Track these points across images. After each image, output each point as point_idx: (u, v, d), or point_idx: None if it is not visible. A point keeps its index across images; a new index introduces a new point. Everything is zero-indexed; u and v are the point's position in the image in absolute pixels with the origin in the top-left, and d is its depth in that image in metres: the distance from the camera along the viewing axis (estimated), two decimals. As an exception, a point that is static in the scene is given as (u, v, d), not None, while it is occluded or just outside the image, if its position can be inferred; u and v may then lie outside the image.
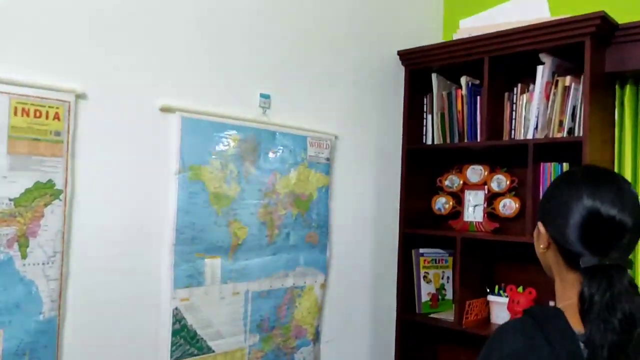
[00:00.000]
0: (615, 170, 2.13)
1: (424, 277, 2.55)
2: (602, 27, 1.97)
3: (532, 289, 2.19)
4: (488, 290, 2.41)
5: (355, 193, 2.35)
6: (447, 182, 2.58)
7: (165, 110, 1.71)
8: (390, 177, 2.51)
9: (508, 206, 2.37)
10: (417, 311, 2.51)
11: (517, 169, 2.38)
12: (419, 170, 2.58)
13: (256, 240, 1.94)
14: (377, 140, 2.45)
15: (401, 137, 2.54)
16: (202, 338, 1.81)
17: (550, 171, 2.12)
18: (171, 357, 1.73)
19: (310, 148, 2.11)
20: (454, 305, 2.59)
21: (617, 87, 2.18)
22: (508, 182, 2.39)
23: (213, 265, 1.82)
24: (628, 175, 2.11)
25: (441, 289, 2.58)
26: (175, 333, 1.73)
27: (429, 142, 2.55)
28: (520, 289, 2.25)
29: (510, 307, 2.21)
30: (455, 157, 2.59)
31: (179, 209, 1.73)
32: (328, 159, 2.18)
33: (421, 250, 2.55)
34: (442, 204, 2.59)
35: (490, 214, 2.44)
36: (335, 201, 2.23)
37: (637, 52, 2.01)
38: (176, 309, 1.74)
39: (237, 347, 1.91)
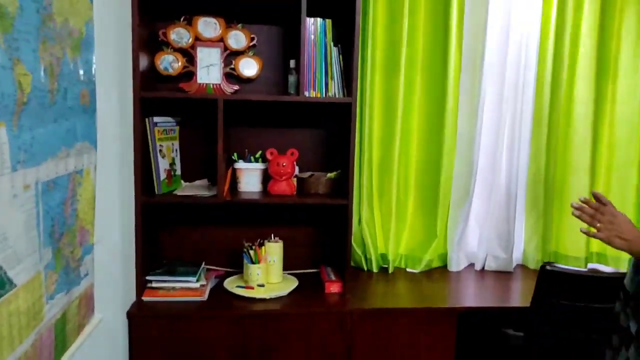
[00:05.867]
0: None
1: (160, 151, 2.14)
2: None
3: (294, 150, 2.21)
4: (234, 157, 2.27)
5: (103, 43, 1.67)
6: (173, 36, 2.17)
7: None
8: (112, 23, 1.88)
9: (250, 66, 2.23)
10: (156, 192, 2.12)
11: (256, 26, 2.26)
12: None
13: (40, 97, 1.17)
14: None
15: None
16: (1, 267, 1.01)
17: (316, 28, 2.11)
18: (-30, 312, 0.91)
19: (74, -43, 1.35)
20: (182, 181, 2.33)
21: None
22: (247, 40, 2.23)
23: (0, 138, 1.01)
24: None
25: (173, 164, 2.24)
26: (-30, 268, 0.91)
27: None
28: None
29: (274, 171, 2.17)
30: (179, 4, 2.18)
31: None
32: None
33: (155, 119, 2.11)
34: (169, 62, 2.18)
35: (229, 75, 2.24)
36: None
37: None
38: (-33, 222, 0.90)
39: (35, 273, 1.17)
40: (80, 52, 1.39)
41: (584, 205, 1.31)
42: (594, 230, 1.30)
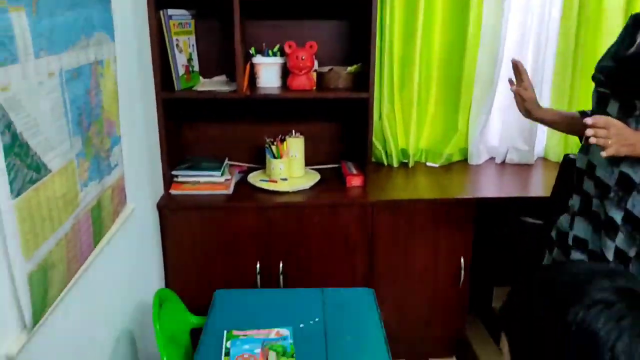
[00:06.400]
0: None
1: (176, 45, 2.11)
2: None
3: (313, 43, 2.14)
4: (252, 52, 2.23)
5: None
6: None
7: None
8: None
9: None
10: (175, 88, 2.11)
11: None
12: None
13: (55, -20, 1.14)
14: None
15: None
16: (35, 153, 1.05)
17: None
18: (12, 191, 0.96)
19: None
20: (200, 77, 2.32)
21: None
22: None
23: (21, 23, 1.00)
24: None
25: (190, 59, 2.21)
26: (7, 150, 0.94)
27: None
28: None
29: (293, 64, 2.13)
30: None
31: None
32: None
33: (170, 12, 2.05)
34: (181, -49, 2.08)
35: (244, -38, 2.14)
36: None
37: None
38: (0, 107, 0.92)
39: (68, 160, 1.21)
40: None
41: (595, 127, 1.27)
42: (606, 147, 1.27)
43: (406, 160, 2.54)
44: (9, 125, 0.95)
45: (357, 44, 2.33)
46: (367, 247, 2.15)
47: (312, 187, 2.21)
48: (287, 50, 2.15)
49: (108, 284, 1.54)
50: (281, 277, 2.12)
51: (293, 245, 2.12)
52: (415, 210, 2.14)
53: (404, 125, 2.49)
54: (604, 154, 1.25)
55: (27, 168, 1.02)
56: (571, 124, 1.63)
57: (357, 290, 1.88)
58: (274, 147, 2.23)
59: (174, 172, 2.17)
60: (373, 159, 2.50)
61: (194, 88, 2.17)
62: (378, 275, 2.19)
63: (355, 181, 2.25)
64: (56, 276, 1.15)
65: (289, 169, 2.25)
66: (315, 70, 2.24)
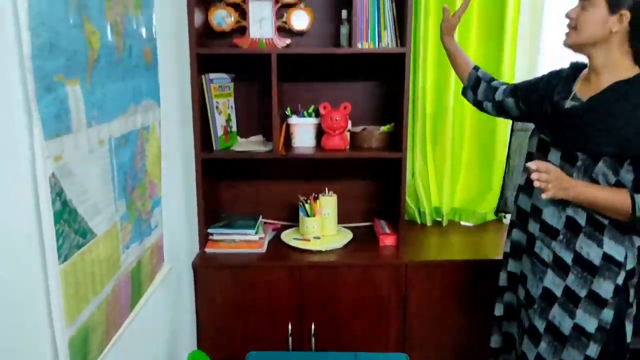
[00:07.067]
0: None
1: (216, 107, 2.18)
2: None
3: (347, 104, 2.19)
4: (287, 113, 2.29)
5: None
6: (226, -9, 2.16)
7: None
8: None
9: (302, 18, 2.21)
10: (214, 148, 2.17)
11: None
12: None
13: (108, 54, 1.21)
14: None
15: None
16: (82, 218, 1.08)
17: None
18: (59, 257, 0.99)
19: None
20: (238, 137, 2.38)
21: None
22: (299, -9, 2.20)
23: (76, 95, 1.05)
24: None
25: (229, 120, 2.28)
26: (57, 217, 0.98)
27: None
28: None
29: (328, 125, 2.17)
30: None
31: (29, -14, 0.88)
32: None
33: (211, 76, 2.14)
34: (222, 17, 2.18)
35: (281, 28, 2.23)
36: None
37: None
38: (53, 176, 0.96)
39: (113, 224, 1.24)
40: (141, 9, 1.42)
41: (539, 172, 1.39)
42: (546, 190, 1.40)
43: (440, 219, 2.52)
44: (60, 193, 0.99)
45: (390, 103, 2.37)
46: (400, 309, 2.11)
47: (345, 246, 2.20)
48: (321, 111, 2.20)
49: (142, 346, 1.54)
50: (313, 339, 2.09)
51: (325, 306, 2.09)
52: (450, 272, 2.10)
53: (437, 183, 2.49)
54: (544, 195, 1.38)
55: (75, 233, 1.05)
56: (462, 68, 1.88)
57: (391, 357, 1.83)
58: (307, 206, 2.24)
59: (209, 230, 2.20)
60: (406, 217, 2.48)
61: (231, 148, 2.22)
62: (412, 339, 2.13)
63: (388, 240, 2.24)
64: (95, 339, 1.16)
65: (322, 227, 2.26)
66: (349, 130, 2.28)
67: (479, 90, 1.84)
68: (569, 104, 1.49)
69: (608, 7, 1.37)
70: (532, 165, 1.38)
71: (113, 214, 1.24)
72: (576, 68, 1.55)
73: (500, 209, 2.39)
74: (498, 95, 1.78)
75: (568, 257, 1.48)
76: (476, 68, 1.86)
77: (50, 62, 0.95)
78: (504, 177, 2.35)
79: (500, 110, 1.80)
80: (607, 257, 1.43)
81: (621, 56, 1.40)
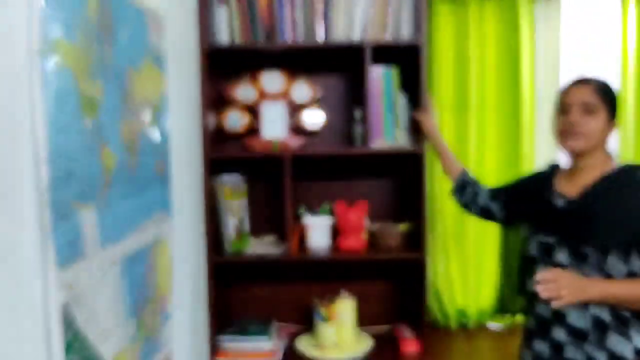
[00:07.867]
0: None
1: (229, 209, 2.14)
2: None
3: (363, 203, 2.14)
4: (301, 212, 2.24)
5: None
6: (239, 92, 2.19)
7: None
8: (183, 90, 1.90)
9: (315, 118, 2.22)
10: (225, 250, 2.10)
11: (319, 76, 2.25)
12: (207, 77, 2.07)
13: (122, 174, 1.17)
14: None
15: (195, 33, 1.97)
16: (92, 345, 1.00)
17: (382, 75, 2.08)
18: (64, 401, 0.89)
19: (153, 32, 1.39)
20: (250, 238, 2.31)
21: None
22: (311, 92, 2.22)
23: (90, 219, 1.00)
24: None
25: (242, 221, 2.23)
26: (69, 348, 0.89)
27: (224, 40, 2.06)
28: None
29: (343, 225, 2.11)
30: (245, 60, 2.21)
31: (50, 124, 0.85)
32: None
33: (224, 178, 2.11)
34: (235, 119, 2.20)
35: (294, 128, 2.24)
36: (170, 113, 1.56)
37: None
38: (67, 305, 0.89)
39: (122, 347, 1.15)
40: (156, 123, 1.41)
41: (544, 281, 1.35)
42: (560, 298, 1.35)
43: (465, 321, 2.38)
44: (71, 322, 0.91)
45: (406, 200, 2.32)
46: None
47: (364, 357, 2.06)
48: (336, 210, 2.15)
49: None
50: None
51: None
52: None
53: (462, 283, 2.38)
54: (556, 304, 1.33)
55: (83, 365, 0.96)
56: (449, 170, 1.94)
57: None
58: (322, 310, 2.13)
59: (219, 338, 2.07)
60: (428, 318, 2.35)
61: (243, 249, 2.15)
62: None
63: (410, 347, 2.10)
64: None
65: (339, 333, 2.13)
66: (366, 229, 2.22)
67: (465, 193, 1.88)
68: (560, 201, 1.52)
69: (607, 116, 1.48)
70: (537, 278, 1.36)
71: (123, 337, 1.15)
72: (554, 168, 1.64)
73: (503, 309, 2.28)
74: (482, 200, 1.83)
75: (603, 357, 1.43)
76: (464, 172, 1.91)
77: (66, 190, 0.91)
78: (501, 278, 2.26)
79: (487, 214, 1.84)
80: (638, 352, 1.41)
81: (603, 153, 1.50)
